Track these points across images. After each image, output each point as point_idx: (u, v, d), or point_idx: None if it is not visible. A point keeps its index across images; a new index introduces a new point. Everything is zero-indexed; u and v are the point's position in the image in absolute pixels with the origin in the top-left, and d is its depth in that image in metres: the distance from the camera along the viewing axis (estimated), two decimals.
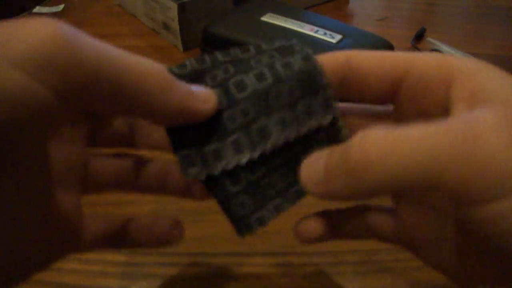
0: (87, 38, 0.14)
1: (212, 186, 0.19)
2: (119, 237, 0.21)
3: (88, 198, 0.20)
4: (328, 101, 0.19)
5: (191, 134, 0.18)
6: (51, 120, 0.14)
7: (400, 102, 0.19)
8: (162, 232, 0.21)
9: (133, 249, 0.22)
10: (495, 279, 0.16)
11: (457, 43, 0.56)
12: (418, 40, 0.59)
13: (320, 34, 0.47)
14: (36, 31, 0.13)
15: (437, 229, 0.18)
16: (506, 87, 0.15)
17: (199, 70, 0.19)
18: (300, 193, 0.20)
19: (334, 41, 0.46)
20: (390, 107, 0.20)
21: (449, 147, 0.13)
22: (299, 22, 0.49)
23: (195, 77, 0.19)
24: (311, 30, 0.48)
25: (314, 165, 0.17)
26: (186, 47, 0.55)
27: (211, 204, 0.20)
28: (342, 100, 0.20)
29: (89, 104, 0.15)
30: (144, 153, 0.22)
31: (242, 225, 0.19)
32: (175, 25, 0.53)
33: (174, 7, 0.52)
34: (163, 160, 0.21)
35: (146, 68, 0.15)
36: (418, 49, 0.56)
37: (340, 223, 0.21)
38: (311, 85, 0.19)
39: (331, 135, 0.20)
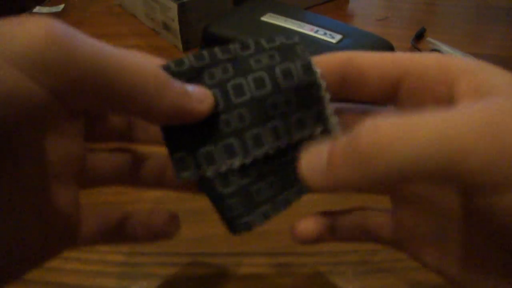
0: (81, 36, 0.14)
1: (204, 186, 0.19)
2: (116, 232, 0.21)
3: (87, 198, 0.19)
4: (321, 113, 0.20)
5: (186, 133, 0.18)
6: (46, 118, 0.14)
7: (400, 103, 0.19)
8: (159, 226, 0.21)
9: (131, 244, 0.22)
10: (501, 275, 0.16)
11: (457, 43, 0.56)
12: (418, 40, 0.59)
13: (320, 34, 0.47)
14: (30, 30, 0.13)
15: (438, 230, 0.18)
16: (509, 81, 0.15)
17: (197, 68, 0.19)
18: (288, 201, 0.20)
19: (334, 41, 0.46)
20: (390, 108, 0.20)
21: (468, 132, 0.12)
22: (299, 22, 0.49)
23: (193, 75, 0.19)
24: (311, 30, 0.48)
25: (316, 157, 0.16)
26: (186, 47, 0.55)
27: (211, 204, 0.20)
28: (342, 100, 0.20)
29: (84, 102, 0.15)
30: (143, 147, 0.22)
31: (231, 225, 0.19)
32: (175, 25, 0.53)
33: (174, 7, 0.52)
34: (161, 154, 0.21)
35: (141, 67, 0.15)
36: (418, 49, 0.56)
37: (337, 225, 0.21)
38: (308, 98, 0.19)
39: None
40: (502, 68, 0.16)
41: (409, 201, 0.19)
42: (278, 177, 0.19)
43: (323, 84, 0.19)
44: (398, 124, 0.13)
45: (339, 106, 0.20)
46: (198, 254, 0.32)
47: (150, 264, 0.31)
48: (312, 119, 0.20)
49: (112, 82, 0.14)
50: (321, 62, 0.19)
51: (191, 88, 0.17)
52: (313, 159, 0.16)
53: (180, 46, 0.54)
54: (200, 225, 0.33)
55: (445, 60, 0.17)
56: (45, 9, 0.66)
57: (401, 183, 0.16)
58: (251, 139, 0.18)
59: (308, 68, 0.19)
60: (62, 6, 0.66)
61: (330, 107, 0.20)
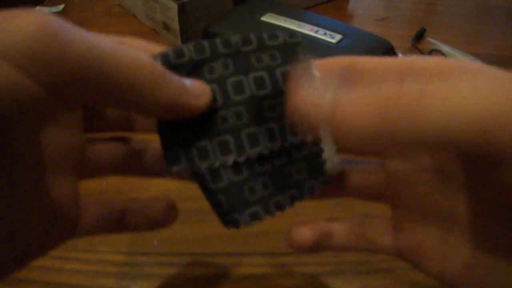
0: (75, 30, 0.14)
1: (197, 179, 0.19)
2: (116, 222, 0.21)
3: (89, 195, 0.19)
4: None
5: (180, 127, 0.18)
6: (42, 111, 0.14)
7: None
8: (157, 214, 0.21)
9: (131, 232, 0.22)
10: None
11: (457, 43, 0.56)
12: (418, 40, 0.59)
13: (320, 34, 0.47)
14: (23, 24, 0.13)
15: (441, 235, 0.18)
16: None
17: (197, 61, 0.18)
18: (281, 206, 0.19)
19: (334, 41, 0.46)
20: None
21: (506, 100, 0.12)
22: (299, 22, 0.49)
23: (192, 68, 0.18)
24: (311, 30, 0.48)
25: (362, 99, 0.14)
26: None
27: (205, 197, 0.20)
28: None
29: (78, 97, 0.15)
30: (142, 136, 0.22)
31: (221, 220, 0.19)
32: (175, 25, 0.53)
33: (174, 7, 0.52)
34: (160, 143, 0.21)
35: (137, 61, 0.15)
36: (418, 49, 0.56)
37: (335, 233, 0.21)
38: None
39: (313, 152, 0.20)
40: (502, 68, 0.16)
41: (411, 207, 0.19)
42: (272, 179, 0.19)
43: None
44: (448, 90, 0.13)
45: None
46: (198, 254, 0.32)
47: (150, 264, 0.31)
48: None
49: (106, 77, 0.14)
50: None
51: (189, 82, 0.17)
52: (365, 100, 0.14)
53: None
54: (200, 225, 0.33)
55: (445, 61, 0.17)
56: (45, 9, 0.66)
57: (432, 149, 0.15)
58: (246, 137, 0.18)
59: None
60: (62, 6, 0.66)
61: None
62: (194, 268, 0.31)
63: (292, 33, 0.20)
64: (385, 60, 0.18)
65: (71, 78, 0.14)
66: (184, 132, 0.18)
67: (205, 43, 0.19)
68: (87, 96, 0.15)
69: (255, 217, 0.19)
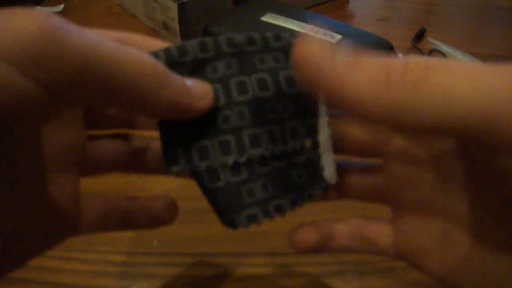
0: (76, 30, 0.14)
1: (195, 177, 0.19)
2: (117, 219, 0.20)
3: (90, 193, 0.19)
4: (313, 126, 0.20)
5: (182, 126, 0.18)
6: (42, 111, 0.14)
7: None
8: (158, 212, 0.21)
9: (132, 230, 0.21)
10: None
11: (457, 43, 0.56)
12: (418, 40, 0.59)
13: (320, 34, 0.47)
14: (22, 24, 0.13)
15: (441, 234, 0.18)
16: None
17: (201, 59, 0.18)
18: (280, 209, 0.19)
19: (334, 41, 0.46)
20: None
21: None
22: (299, 22, 0.49)
23: (195, 67, 0.18)
24: (311, 30, 0.48)
25: (375, 70, 0.14)
26: None
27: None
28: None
29: (78, 97, 0.15)
30: (143, 133, 0.22)
31: (220, 219, 0.19)
32: (175, 25, 0.53)
33: (174, 7, 0.52)
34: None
35: (138, 61, 0.15)
36: (418, 49, 0.56)
37: (336, 234, 0.21)
38: (305, 109, 0.19)
39: (312, 158, 0.20)
40: None
41: (410, 208, 0.19)
42: (273, 182, 0.19)
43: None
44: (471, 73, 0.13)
45: (335, 112, 0.20)
46: (198, 254, 0.32)
47: (150, 264, 0.31)
48: (304, 132, 0.20)
49: (106, 77, 0.14)
50: None
51: (191, 83, 0.17)
52: (373, 70, 0.14)
53: None
54: (200, 225, 0.33)
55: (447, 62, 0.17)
56: (45, 9, 0.66)
57: (448, 133, 0.15)
58: (248, 138, 0.18)
59: None
60: (62, 6, 0.66)
61: (325, 118, 0.20)
62: (194, 268, 0.31)
63: (294, 33, 0.20)
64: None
65: (70, 79, 0.13)
66: (185, 131, 0.18)
67: (209, 41, 0.18)
68: (87, 96, 0.15)
69: (252, 219, 0.18)
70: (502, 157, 0.13)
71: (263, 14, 0.51)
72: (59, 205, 0.17)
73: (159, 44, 0.19)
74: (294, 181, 0.20)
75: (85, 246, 0.32)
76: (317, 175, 0.20)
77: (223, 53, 0.19)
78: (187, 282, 0.30)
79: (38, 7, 0.66)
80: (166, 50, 0.18)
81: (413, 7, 0.71)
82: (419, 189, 0.19)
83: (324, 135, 0.20)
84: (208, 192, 0.19)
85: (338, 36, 0.47)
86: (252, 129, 0.18)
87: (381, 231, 0.20)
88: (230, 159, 0.18)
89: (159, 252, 0.31)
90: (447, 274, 0.18)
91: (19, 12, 0.13)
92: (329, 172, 0.20)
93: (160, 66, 0.16)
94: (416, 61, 0.13)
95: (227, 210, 0.18)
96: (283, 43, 0.20)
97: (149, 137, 0.22)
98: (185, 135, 0.18)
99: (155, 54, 0.17)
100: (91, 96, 0.15)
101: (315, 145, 0.20)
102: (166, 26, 0.56)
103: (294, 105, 0.19)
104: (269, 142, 0.19)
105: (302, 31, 0.48)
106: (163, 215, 0.21)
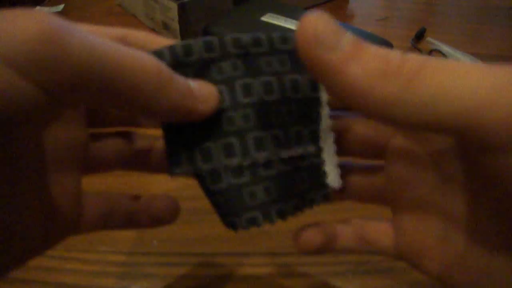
0: (78, 31, 0.13)
1: (197, 178, 0.19)
2: (119, 218, 0.20)
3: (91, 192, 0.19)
4: (317, 131, 0.20)
5: (185, 127, 0.18)
6: (43, 113, 0.14)
7: None
8: (160, 211, 0.21)
9: (134, 229, 0.21)
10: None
11: (457, 43, 0.56)
12: (418, 40, 0.59)
13: None
14: (24, 26, 0.13)
15: (440, 234, 0.18)
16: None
17: (206, 59, 0.18)
18: (282, 214, 0.19)
19: None
20: None
21: (493, 86, 0.12)
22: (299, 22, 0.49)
23: (200, 67, 0.18)
24: None
25: (376, 62, 0.14)
26: None
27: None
28: (343, 109, 0.20)
29: (80, 100, 0.15)
30: (146, 131, 0.22)
31: (221, 220, 0.19)
32: (175, 25, 0.53)
33: (174, 7, 0.52)
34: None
35: (142, 64, 0.15)
36: (418, 49, 0.56)
37: (338, 235, 0.21)
38: (308, 114, 0.19)
39: (315, 163, 0.20)
40: None
41: (411, 208, 0.19)
42: (276, 186, 0.19)
43: (324, 98, 0.19)
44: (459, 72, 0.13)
45: (338, 114, 0.20)
46: (198, 254, 0.32)
47: (150, 264, 0.31)
48: (308, 137, 0.20)
49: (109, 80, 0.14)
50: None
51: (196, 85, 0.17)
52: (372, 61, 0.14)
53: None
54: (200, 225, 0.33)
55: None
56: (45, 9, 0.66)
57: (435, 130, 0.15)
58: (253, 141, 0.18)
59: (314, 85, 0.19)
60: (62, 6, 0.66)
61: (329, 122, 0.20)
62: (194, 268, 0.31)
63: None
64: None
65: (72, 82, 0.13)
66: (189, 132, 0.18)
67: (215, 41, 0.18)
68: (88, 99, 0.15)
69: (252, 222, 0.18)
70: (492, 156, 0.13)
71: (263, 14, 0.51)
72: (60, 204, 0.17)
73: (162, 41, 0.19)
74: (297, 185, 0.19)
75: (85, 246, 0.32)
76: (320, 181, 0.20)
77: (228, 53, 0.18)
78: (187, 282, 0.30)
79: (38, 7, 0.66)
80: (171, 48, 0.17)
81: (413, 7, 0.71)
82: (419, 189, 0.19)
83: (328, 140, 0.20)
84: (210, 193, 0.19)
85: None
86: (257, 132, 0.18)
87: (381, 231, 0.20)
88: (234, 162, 0.18)
89: (159, 252, 0.31)
90: (446, 274, 0.18)
91: (19, 13, 0.13)
92: (332, 177, 0.20)
93: (164, 68, 0.16)
94: (414, 57, 0.13)
95: (229, 212, 0.18)
96: (289, 46, 0.19)
97: (152, 135, 0.22)
98: (189, 136, 0.18)
99: (160, 53, 0.17)
100: (92, 98, 0.14)
101: (319, 150, 0.20)
102: (166, 26, 0.56)
103: (298, 110, 0.19)
104: (274, 146, 0.18)
105: None
106: (165, 214, 0.21)
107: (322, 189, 0.20)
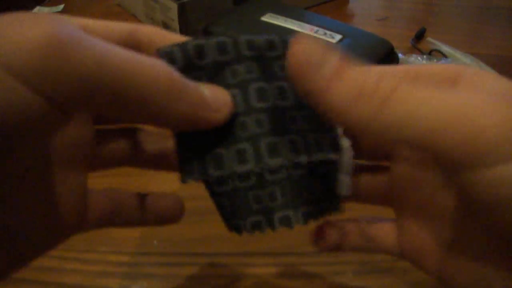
0: (87, 40, 0.13)
1: (204, 181, 0.19)
2: (125, 216, 0.20)
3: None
4: (335, 140, 0.19)
5: (197, 133, 0.17)
6: (47, 123, 0.14)
7: None
8: (166, 210, 0.21)
9: (139, 227, 0.21)
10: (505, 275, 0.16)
11: (457, 43, 0.56)
12: (418, 40, 0.59)
13: (320, 34, 0.47)
14: (29, 33, 0.12)
15: (440, 234, 0.18)
16: (504, 84, 0.15)
17: (220, 62, 0.17)
18: (289, 222, 0.18)
19: (334, 41, 0.46)
20: None
21: (450, 110, 0.13)
22: (299, 22, 0.49)
23: (214, 71, 0.17)
24: (311, 30, 0.48)
25: (353, 82, 0.14)
26: None
27: (211, 204, 0.20)
28: None
29: (89, 110, 0.14)
30: (152, 128, 0.22)
31: (224, 222, 0.19)
32: (175, 25, 0.53)
33: (174, 7, 0.52)
34: (170, 135, 0.21)
35: (153, 72, 0.14)
36: (418, 49, 0.56)
37: (347, 233, 0.21)
38: (324, 123, 0.19)
39: (329, 171, 0.20)
40: (502, 68, 0.16)
41: (414, 208, 0.19)
42: (282, 191, 0.18)
43: None
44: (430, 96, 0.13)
45: None
46: (198, 254, 0.32)
47: (150, 264, 0.31)
48: (327, 145, 0.19)
49: (119, 91, 0.13)
50: None
51: (209, 93, 0.16)
52: (350, 83, 0.14)
53: None
54: (200, 225, 0.33)
55: (450, 65, 0.17)
56: (45, 9, 0.66)
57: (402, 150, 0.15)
58: (266, 147, 0.17)
59: None
60: (62, 6, 0.66)
61: (346, 142, 0.19)
62: (194, 268, 0.31)
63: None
64: (388, 69, 0.18)
65: (78, 92, 0.13)
66: (200, 138, 0.17)
67: (229, 42, 0.18)
68: (98, 108, 0.14)
69: (256, 226, 0.18)
70: (458, 175, 0.13)
71: (263, 14, 0.51)
72: (65, 202, 0.17)
73: (171, 37, 0.18)
74: (308, 193, 0.19)
75: (85, 246, 0.32)
76: (331, 191, 0.20)
77: (243, 56, 0.18)
78: (187, 282, 0.30)
79: (38, 7, 0.66)
80: (183, 48, 0.17)
81: (413, 7, 0.71)
82: (423, 190, 0.19)
83: (345, 145, 0.19)
84: (215, 195, 0.18)
85: (338, 36, 0.47)
86: (270, 137, 0.17)
87: (385, 230, 0.21)
88: (247, 169, 0.17)
89: (159, 252, 0.32)
90: (447, 274, 0.18)
91: (25, 18, 0.13)
92: (345, 185, 0.20)
93: (176, 77, 0.15)
94: (389, 78, 0.14)
95: (233, 215, 0.18)
96: None
97: (157, 132, 0.21)
98: (200, 142, 0.17)
99: (171, 53, 0.17)
100: (101, 108, 0.14)
101: (334, 159, 0.19)
102: (166, 26, 0.56)
103: (313, 116, 0.18)
104: (289, 151, 0.18)
105: (302, 31, 0.48)
106: (171, 213, 0.21)
107: (334, 199, 0.20)
